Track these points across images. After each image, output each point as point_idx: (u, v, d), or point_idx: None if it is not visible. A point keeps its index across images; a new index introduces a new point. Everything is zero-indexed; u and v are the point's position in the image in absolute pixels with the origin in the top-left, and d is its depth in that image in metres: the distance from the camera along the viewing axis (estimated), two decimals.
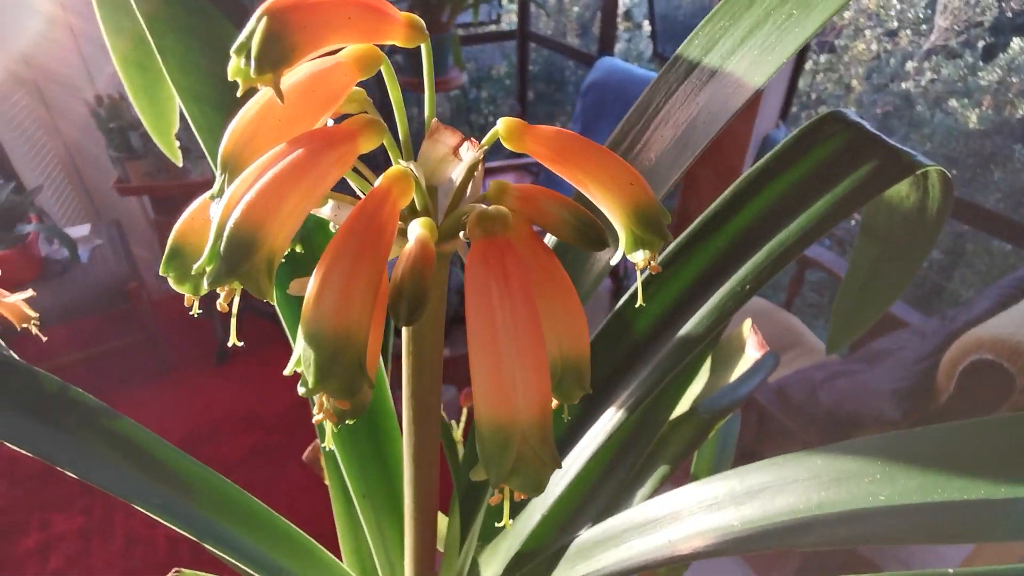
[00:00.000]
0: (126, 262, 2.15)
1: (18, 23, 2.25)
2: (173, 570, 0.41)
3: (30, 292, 0.42)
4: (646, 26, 3.94)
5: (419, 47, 0.21)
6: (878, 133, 0.32)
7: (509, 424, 0.18)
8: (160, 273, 0.19)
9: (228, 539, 0.34)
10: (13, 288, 0.44)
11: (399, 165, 0.18)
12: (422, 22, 0.20)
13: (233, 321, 0.18)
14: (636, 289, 0.29)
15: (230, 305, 0.16)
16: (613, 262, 0.22)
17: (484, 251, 0.19)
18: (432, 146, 0.20)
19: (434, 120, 0.20)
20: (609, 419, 0.33)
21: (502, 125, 0.19)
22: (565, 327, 0.22)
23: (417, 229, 0.18)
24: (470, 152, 0.19)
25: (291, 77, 0.18)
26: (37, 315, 0.45)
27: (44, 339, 0.46)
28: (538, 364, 0.18)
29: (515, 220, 0.20)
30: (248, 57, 0.15)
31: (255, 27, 0.16)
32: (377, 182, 0.18)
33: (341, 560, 0.41)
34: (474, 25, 3.52)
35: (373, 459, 0.37)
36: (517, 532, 0.37)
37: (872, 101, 3.17)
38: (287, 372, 0.17)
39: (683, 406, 0.45)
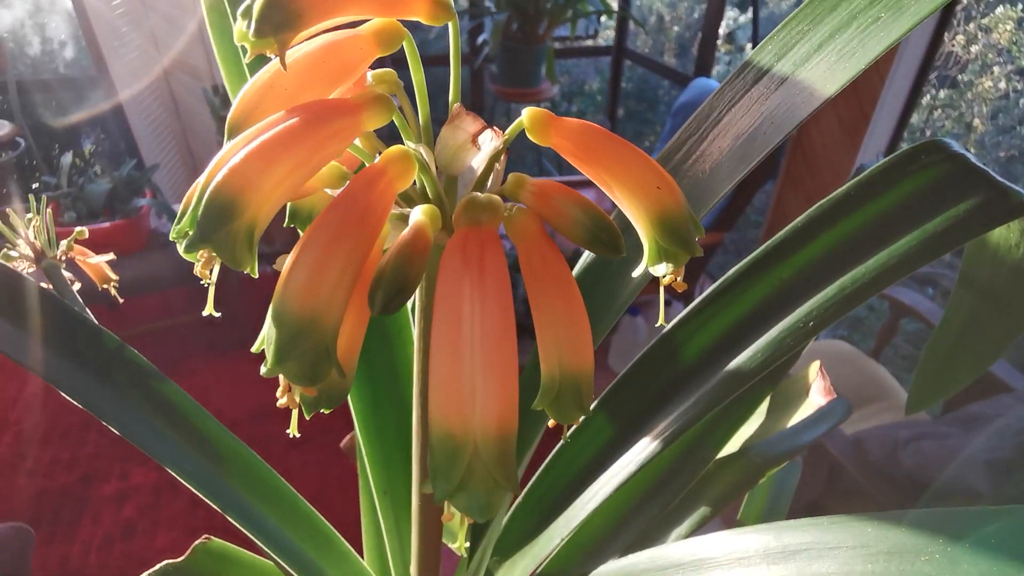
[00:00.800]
0: None
1: (154, 7, 2.48)
2: (203, 536, 0.43)
3: (111, 255, 0.45)
4: (748, 49, 3.81)
5: (448, 25, 0.20)
6: (985, 168, 0.29)
7: (461, 434, 0.16)
8: (171, 238, 0.19)
9: (251, 515, 0.34)
10: (121, 256, 0.47)
11: (402, 146, 0.18)
12: (450, 0, 0.19)
13: (211, 291, 0.18)
14: (687, 312, 0.27)
15: (213, 275, 0.16)
16: (635, 274, 0.21)
17: (464, 240, 0.17)
18: (451, 132, 0.19)
19: (456, 104, 0.19)
20: (643, 448, 0.31)
21: (527, 115, 0.18)
22: (567, 339, 0.20)
23: (417, 215, 0.17)
24: (493, 142, 0.18)
25: (304, 48, 0.18)
26: (117, 278, 0.48)
27: (120, 301, 0.49)
28: (503, 372, 0.16)
29: (526, 217, 0.18)
30: (250, 20, 0.15)
31: None
32: (375, 160, 0.17)
33: (363, 555, 0.41)
34: (571, 39, 3.53)
35: (399, 455, 0.37)
36: (535, 552, 0.35)
37: (995, 143, 2.90)
38: (254, 350, 0.16)
39: (733, 446, 0.42)
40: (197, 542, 0.44)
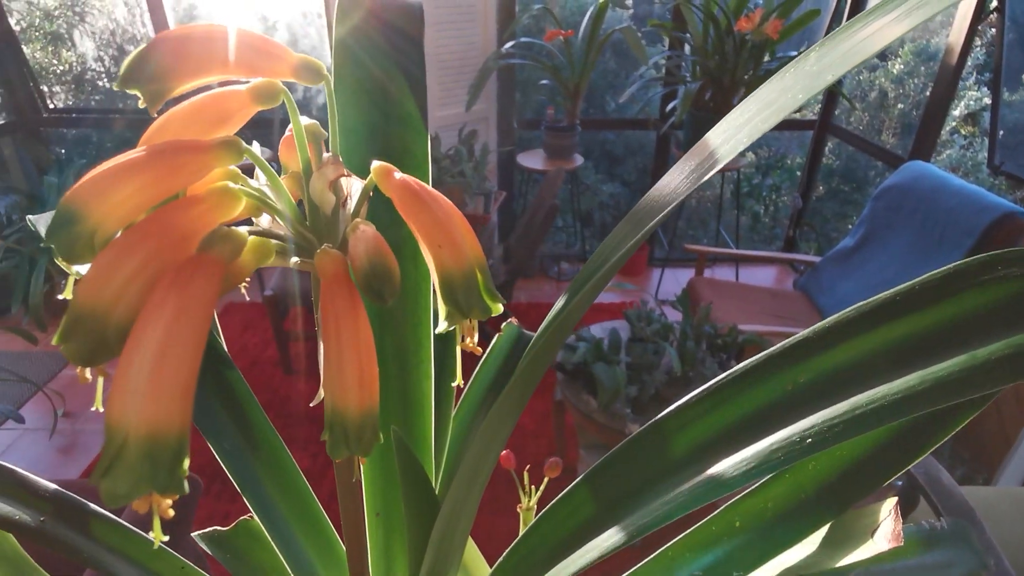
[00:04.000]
0: None
1: None
2: (248, 515, 0.48)
3: None
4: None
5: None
6: None
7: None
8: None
9: (266, 504, 0.38)
10: None
11: (226, 184, 0.20)
12: (319, 64, 0.21)
13: (70, 283, 0.21)
14: (688, 399, 0.25)
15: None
16: (436, 331, 0.20)
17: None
18: (318, 177, 0.21)
19: (326, 155, 0.21)
20: (607, 539, 0.28)
21: (373, 168, 0.19)
22: (335, 377, 0.22)
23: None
24: (351, 185, 0.20)
25: (194, 97, 0.21)
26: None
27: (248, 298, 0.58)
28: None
29: (327, 258, 0.19)
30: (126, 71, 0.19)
31: (134, 55, 0.19)
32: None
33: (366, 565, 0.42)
34: None
35: (396, 480, 0.38)
36: None
37: None
38: (54, 341, 0.19)
39: (766, 572, 0.36)
40: (242, 518, 0.49)
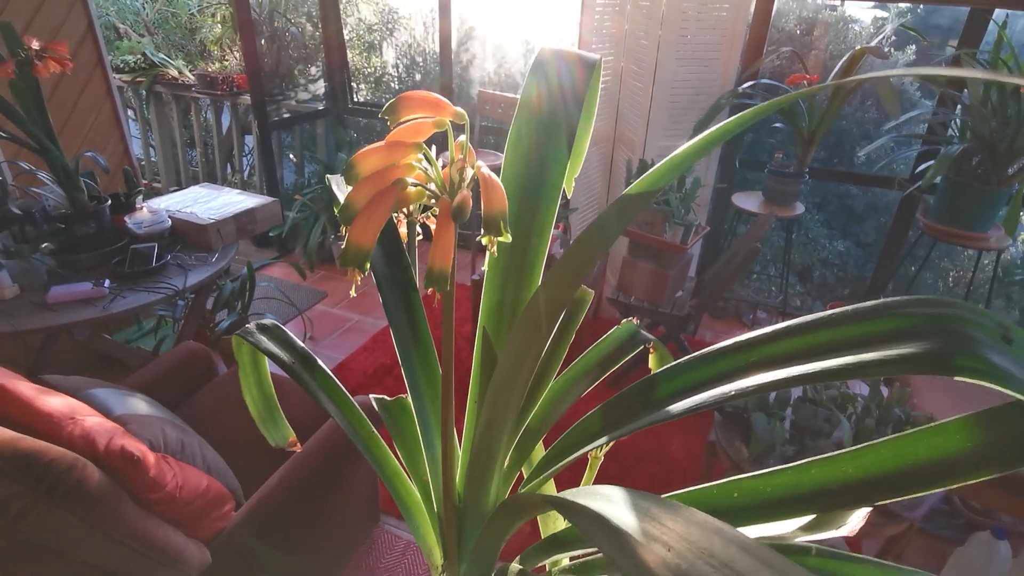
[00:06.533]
0: (595, 280, 2.75)
1: (628, 87, 3.10)
2: (404, 394, 0.69)
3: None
4: None
5: None
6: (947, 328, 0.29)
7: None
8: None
9: (416, 385, 0.58)
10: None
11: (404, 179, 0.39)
12: (464, 113, 0.38)
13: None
14: (673, 364, 0.39)
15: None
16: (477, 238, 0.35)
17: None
18: (453, 167, 0.39)
19: (460, 156, 0.38)
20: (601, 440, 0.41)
21: (476, 166, 0.36)
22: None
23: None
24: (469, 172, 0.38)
25: (408, 122, 0.40)
26: None
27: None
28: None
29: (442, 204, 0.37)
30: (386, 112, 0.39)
31: (389, 102, 0.40)
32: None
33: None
34: None
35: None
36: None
37: None
38: (341, 265, 0.39)
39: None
40: (400, 395, 0.71)
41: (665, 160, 0.45)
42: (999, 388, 0.27)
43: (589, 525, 0.32)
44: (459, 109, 0.46)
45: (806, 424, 1.83)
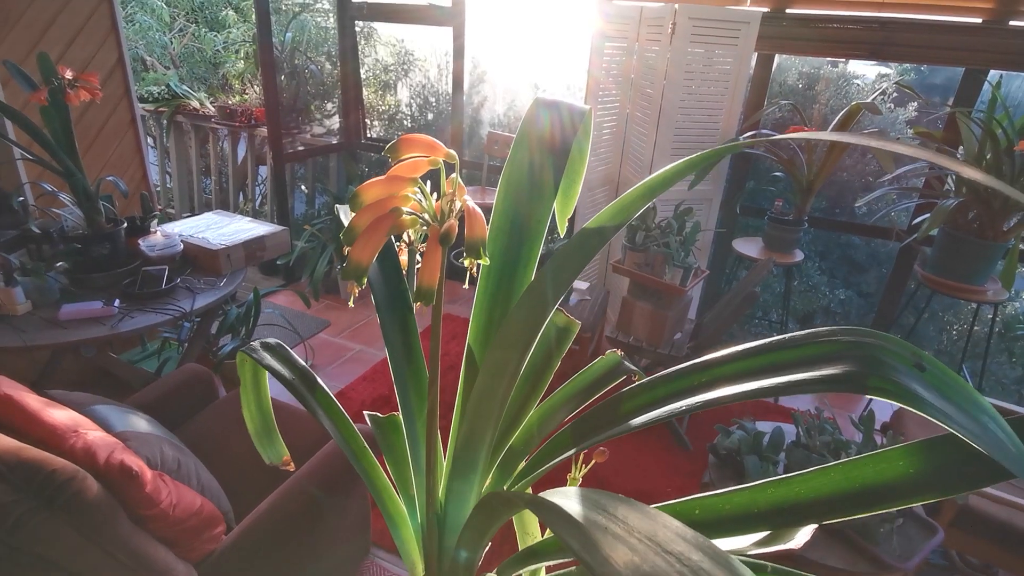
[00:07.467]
0: (596, 319, 2.78)
1: (634, 112, 3.19)
2: (396, 411, 0.73)
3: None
4: None
5: None
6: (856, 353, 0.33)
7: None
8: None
9: (407, 404, 0.62)
10: None
11: (401, 209, 0.44)
12: (455, 154, 0.44)
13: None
14: (637, 385, 0.42)
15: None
16: (459, 260, 0.40)
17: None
18: (444, 199, 0.44)
19: (449, 190, 0.44)
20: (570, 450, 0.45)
21: (463, 199, 0.41)
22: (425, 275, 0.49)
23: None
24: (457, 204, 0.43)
25: (406, 160, 0.46)
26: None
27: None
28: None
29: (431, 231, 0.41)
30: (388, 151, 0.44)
31: (392, 142, 0.46)
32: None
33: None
34: None
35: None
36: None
37: None
38: (342, 277, 0.43)
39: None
40: (392, 413, 0.74)
41: (613, 203, 0.55)
42: (910, 408, 0.31)
43: (555, 520, 0.36)
44: (450, 151, 0.53)
45: (798, 469, 1.83)
